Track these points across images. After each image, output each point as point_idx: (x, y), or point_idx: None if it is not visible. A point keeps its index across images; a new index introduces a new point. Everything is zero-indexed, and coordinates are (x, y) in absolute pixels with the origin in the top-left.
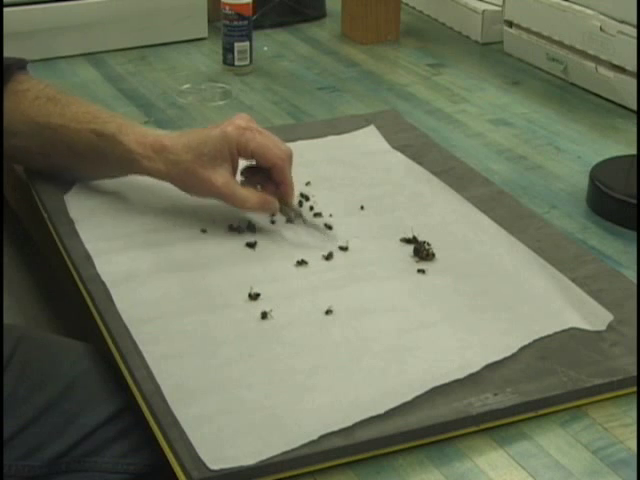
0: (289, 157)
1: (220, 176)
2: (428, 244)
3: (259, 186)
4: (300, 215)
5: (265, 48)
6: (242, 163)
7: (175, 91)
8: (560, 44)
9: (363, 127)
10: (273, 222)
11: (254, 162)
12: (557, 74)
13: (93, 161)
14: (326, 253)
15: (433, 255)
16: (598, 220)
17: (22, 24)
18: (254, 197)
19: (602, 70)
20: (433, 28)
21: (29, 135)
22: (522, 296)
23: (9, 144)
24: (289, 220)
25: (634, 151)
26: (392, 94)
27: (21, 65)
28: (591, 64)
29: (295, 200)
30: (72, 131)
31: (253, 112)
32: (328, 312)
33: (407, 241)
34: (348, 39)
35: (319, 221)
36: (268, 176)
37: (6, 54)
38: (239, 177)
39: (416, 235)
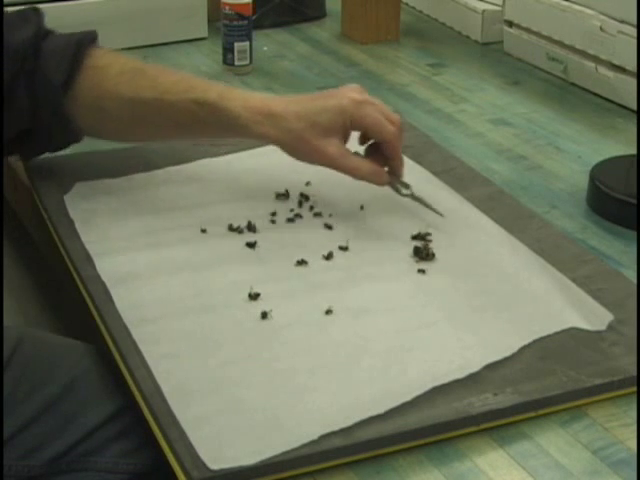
0: (401, 131)
1: (333, 146)
2: (429, 237)
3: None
4: (409, 187)
5: (265, 48)
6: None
7: None
8: (560, 44)
9: None
10: (273, 222)
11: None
12: (557, 74)
13: (194, 130)
14: (326, 253)
15: (433, 255)
16: (598, 220)
17: None
18: (367, 166)
19: (602, 70)
20: (433, 28)
21: (118, 110)
22: (522, 296)
23: (95, 119)
24: (398, 192)
25: (634, 151)
26: (392, 94)
27: (92, 38)
28: (591, 64)
29: (295, 200)
30: (168, 103)
31: None
32: (328, 312)
33: (414, 238)
34: (348, 39)
35: (319, 221)
36: (377, 149)
37: None
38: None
39: (422, 232)
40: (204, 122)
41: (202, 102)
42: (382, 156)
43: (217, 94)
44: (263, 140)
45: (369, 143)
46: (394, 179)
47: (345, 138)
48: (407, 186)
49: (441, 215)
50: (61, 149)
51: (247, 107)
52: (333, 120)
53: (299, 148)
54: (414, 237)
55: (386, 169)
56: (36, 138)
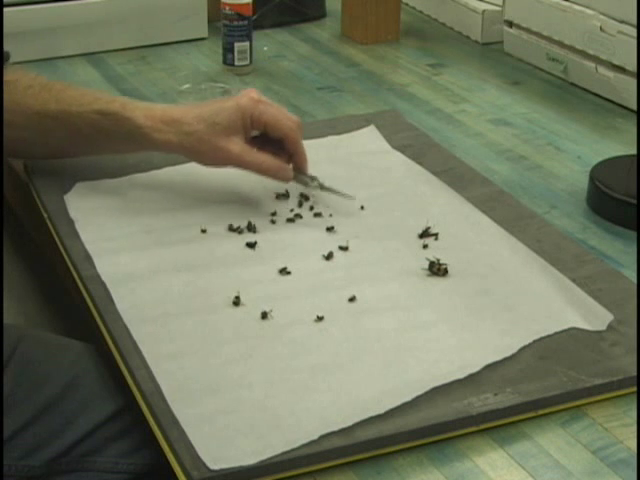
0: (300, 128)
1: (235, 144)
2: (436, 236)
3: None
4: (316, 179)
5: (265, 48)
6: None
7: (175, 91)
8: (560, 44)
9: (363, 127)
10: (273, 222)
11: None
12: (557, 74)
13: (98, 142)
14: (326, 253)
15: (446, 271)
16: (598, 220)
17: (22, 24)
18: (271, 161)
19: (602, 70)
20: (433, 28)
21: (25, 125)
22: (522, 296)
23: (4, 136)
24: (306, 185)
25: (634, 151)
26: (392, 94)
27: (3, 56)
28: (591, 64)
29: (295, 200)
30: (73, 115)
31: None
32: (328, 312)
33: (421, 235)
34: (348, 39)
35: (319, 221)
36: (279, 147)
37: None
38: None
39: (429, 227)
40: (108, 133)
41: (105, 112)
42: (285, 154)
43: (120, 105)
44: (166, 148)
45: (254, 137)
46: (299, 174)
47: (246, 138)
48: (313, 178)
49: (352, 198)
50: None
51: (148, 116)
52: (232, 119)
53: (202, 150)
54: (421, 235)
55: (291, 165)
56: None
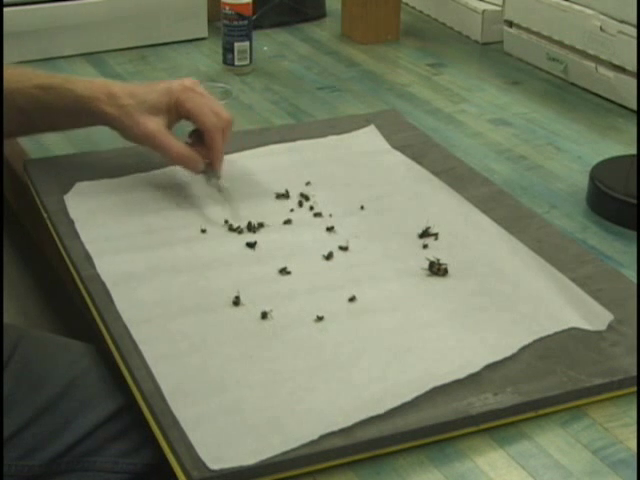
0: (225, 125)
1: (154, 123)
2: (435, 236)
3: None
4: (219, 178)
5: (265, 48)
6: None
7: None
8: (560, 44)
9: (363, 127)
10: (273, 222)
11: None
12: (557, 74)
13: (39, 116)
14: (326, 253)
15: (446, 271)
16: (598, 220)
17: (22, 24)
18: (183, 148)
19: (602, 70)
20: (433, 28)
21: None
22: (522, 296)
23: None
24: (207, 181)
25: (634, 151)
26: (392, 94)
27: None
28: (591, 64)
29: (295, 200)
30: (12, 91)
31: (253, 112)
32: (328, 312)
33: (421, 235)
34: (348, 39)
35: (319, 221)
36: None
37: (6, 54)
38: (187, 140)
39: (429, 227)
40: (49, 107)
41: (47, 87)
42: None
43: (62, 79)
44: (103, 120)
45: (193, 129)
46: (209, 169)
47: (170, 121)
48: (218, 177)
49: (238, 216)
50: None
51: (90, 87)
52: (159, 100)
53: (125, 123)
54: (421, 235)
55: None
56: None
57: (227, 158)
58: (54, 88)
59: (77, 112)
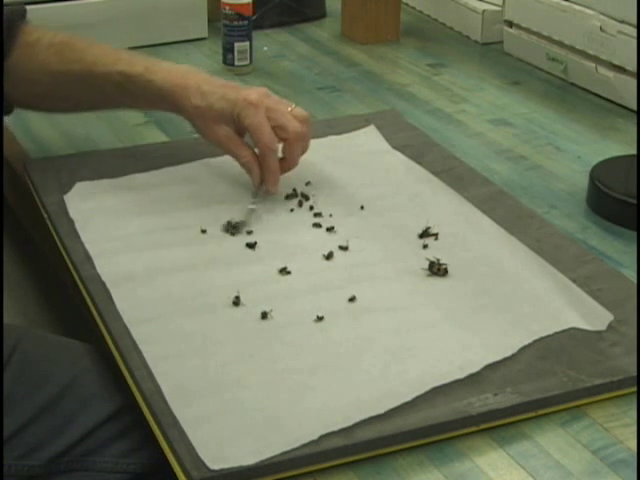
0: (292, 137)
1: (222, 130)
2: (436, 236)
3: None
4: (255, 202)
5: (265, 48)
6: None
7: None
8: (560, 44)
9: (363, 127)
10: (273, 222)
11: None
12: (557, 74)
13: (122, 100)
14: (326, 253)
15: (446, 271)
16: (598, 220)
17: None
18: (246, 158)
19: (602, 70)
20: (433, 28)
21: (49, 83)
22: (522, 296)
23: (27, 93)
24: (253, 197)
25: (634, 151)
26: (392, 94)
27: (21, 14)
28: (591, 64)
29: (295, 200)
30: (97, 75)
31: None
32: (328, 312)
33: (421, 236)
34: (348, 39)
35: (319, 221)
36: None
37: None
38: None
39: (429, 227)
40: (131, 93)
41: (129, 74)
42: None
43: (143, 67)
44: (179, 112)
45: None
46: (261, 185)
47: (237, 129)
48: (255, 196)
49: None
50: None
51: (169, 79)
52: (224, 109)
53: (197, 123)
54: (421, 235)
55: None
56: None
57: (227, 158)
58: (135, 77)
59: (156, 102)
